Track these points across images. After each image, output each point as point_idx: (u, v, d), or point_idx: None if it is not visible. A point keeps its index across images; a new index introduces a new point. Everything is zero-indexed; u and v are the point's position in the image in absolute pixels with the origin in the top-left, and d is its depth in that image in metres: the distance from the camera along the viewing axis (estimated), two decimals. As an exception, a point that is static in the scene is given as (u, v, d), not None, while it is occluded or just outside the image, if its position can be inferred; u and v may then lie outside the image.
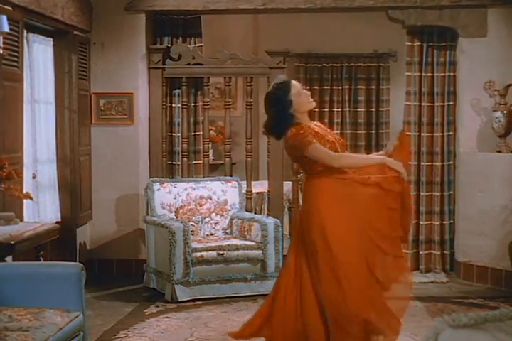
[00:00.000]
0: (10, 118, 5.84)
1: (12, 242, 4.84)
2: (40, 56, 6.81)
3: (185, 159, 7.76)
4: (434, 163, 7.67)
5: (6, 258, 5.01)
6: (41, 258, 5.60)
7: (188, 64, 7.63)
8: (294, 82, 4.94)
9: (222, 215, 7.18)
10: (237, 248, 6.67)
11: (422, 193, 7.69)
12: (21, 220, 5.71)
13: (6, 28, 5.40)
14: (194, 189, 7.17)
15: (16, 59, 5.90)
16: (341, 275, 4.61)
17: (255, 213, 7.69)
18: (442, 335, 2.13)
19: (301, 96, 4.87)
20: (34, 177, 6.63)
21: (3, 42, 5.47)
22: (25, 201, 6.00)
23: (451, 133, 7.67)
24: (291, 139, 4.77)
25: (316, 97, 10.07)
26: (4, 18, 5.38)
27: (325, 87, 10.09)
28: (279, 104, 4.82)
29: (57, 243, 6.26)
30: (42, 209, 6.77)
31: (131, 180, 7.59)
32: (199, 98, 7.85)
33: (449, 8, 7.35)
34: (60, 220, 6.91)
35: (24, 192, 5.59)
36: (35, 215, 6.60)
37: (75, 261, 6.51)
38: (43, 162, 6.89)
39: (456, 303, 6.53)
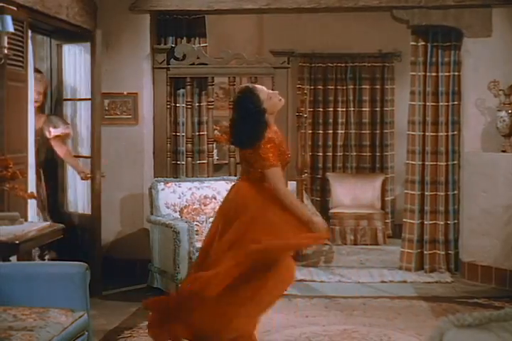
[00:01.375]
0: (14, 118, 5.85)
1: (16, 242, 4.84)
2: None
3: (189, 159, 7.77)
4: (438, 163, 7.67)
5: (11, 258, 5.01)
6: (46, 258, 5.62)
7: (193, 64, 7.64)
8: (258, 86, 4.89)
9: (227, 215, 7.18)
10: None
11: (426, 193, 7.68)
12: (26, 220, 5.71)
13: (11, 28, 5.41)
14: (198, 189, 7.18)
15: (20, 59, 5.91)
16: None
17: (259, 213, 7.67)
18: (447, 335, 2.13)
19: (272, 98, 4.85)
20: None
21: (8, 42, 5.47)
22: (29, 201, 6.00)
23: (455, 132, 7.66)
24: (262, 150, 4.72)
25: (321, 97, 10.10)
26: (9, 18, 5.39)
27: (329, 87, 10.10)
28: (253, 116, 4.76)
29: (64, 242, 6.25)
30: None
31: (136, 179, 7.59)
32: (203, 98, 7.85)
33: (453, 8, 7.34)
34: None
35: (28, 192, 5.59)
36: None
37: (79, 261, 6.51)
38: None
39: (460, 303, 6.52)
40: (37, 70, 6.43)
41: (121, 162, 7.60)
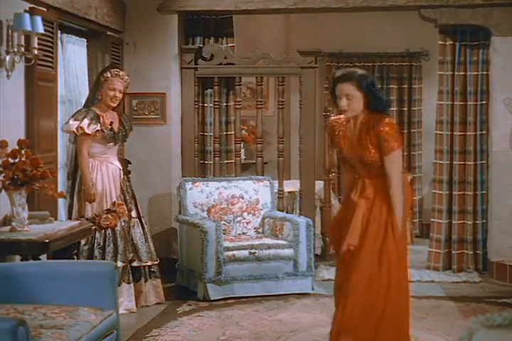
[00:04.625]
0: (44, 118, 5.90)
1: (46, 241, 4.89)
2: (73, 56, 6.88)
3: (217, 158, 7.79)
4: (466, 162, 7.63)
5: (41, 257, 5.07)
6: (75, 257, 5.66)
7: (220, 64, 7.66)
8: None
9: (254, 214, 7.20)
10: (268, 247, 6.68)
11: (454, 192, 7.65)
12: (56, 219, 5.77)
13: (41, 29, 5.47)
14: (226, 188, 7.20)
15: (50, 59, 5.96)
16: None
17: (287, 212, 7.69)
18: (477, 335, 2.13)
19: None
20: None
21: (38, 43, 5.53)
22: (59, 200, 6.06)
23: (483, 132, 7.62)
24: (387, 128, 4.54)
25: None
26: (39, 19, 5.44)
27: (357, 87, 10.07)
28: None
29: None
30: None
31: (164, 179, 7.63)
32: (231, 98, 7.87)
33: (481, 7, 7.30)
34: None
35: (58, 191, 5.64)
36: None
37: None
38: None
39: (489, 303, 6.48)
40: (118, 68, 6.37)
41: (150, 161, 7.64)
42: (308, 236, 6.75)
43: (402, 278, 4.74)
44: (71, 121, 6.14)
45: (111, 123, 6.21)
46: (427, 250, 7.91)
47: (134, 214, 6.38)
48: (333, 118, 4.93)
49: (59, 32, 6.28)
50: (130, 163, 6.64)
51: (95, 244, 6.13)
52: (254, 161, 8.55)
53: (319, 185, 8.06)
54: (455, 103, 7.62)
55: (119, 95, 6.22)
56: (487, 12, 7.31)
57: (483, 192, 7.66)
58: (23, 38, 5.40)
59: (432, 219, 7.82)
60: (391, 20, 9.17)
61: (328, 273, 7.30)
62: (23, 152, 5.07)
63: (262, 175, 7.62)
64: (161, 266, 6.56)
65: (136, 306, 6.19)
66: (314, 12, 7.88)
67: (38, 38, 5.54)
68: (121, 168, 6.37)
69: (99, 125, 6.12)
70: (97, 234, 6.12)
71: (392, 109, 9.92)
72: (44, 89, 5.88)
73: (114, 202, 6.22)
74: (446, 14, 7.39)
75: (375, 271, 4.60)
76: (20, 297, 4.23)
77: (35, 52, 5.49)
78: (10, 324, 3.32)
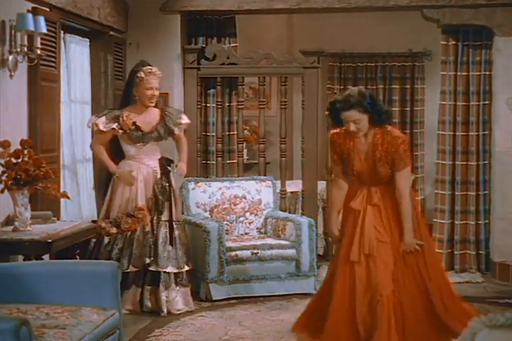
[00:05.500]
0: (47, 118, 5.91)
1: (49, 240, 4.90)
2: (76, 56, 6.89)
3: (219, 158, 7.79)
4: (469, 163, 7.63)
5: (43, 257, 5.07)
6: (78, 257, 5.67)
7: (223, 64, 7.66)
8: None
9: (257, 214, 7.20)
10: (271, 247, 6.69)
11: (456, 193, 7.65)
12: (58, 219, 5.78)
13: (44, 29, 5.47)
14: (228, 188, 7.20)
15: (53, 59, 5.96)
16: None
17: (289, 212, 7.70)
18: (479, 335, 2.13)
19: None
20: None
21: (41, 43, 5.53)
22: (62, 200, 6.06)
23: (486, 132, 7.62)
24: (404, 146, 4.74)
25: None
26: (42, 19, 5.45)
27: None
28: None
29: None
30: (78, 208, 6.84)
31: (166, 179, 7.62)
32: (233, 98, 7.87)
33: (484, 7, 7.30)
34: (96, 219, 6.98)
35: (61, 191, 5.64)
36: (72, 214, 6.67)
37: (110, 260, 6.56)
38: (80, 161, 6.95)
39: (491, 303, 6.48)
40: (148, 64, 6.25)
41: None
42: (310, 236, 6.75)
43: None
44: (92, 117, 6.18)
45: (133, 123, 6.09)
46: (429, 250, 7.89)
47: (164, 217, 6.14)
48: (335, 131, 4.96)
49: (62, 32, 6.28)
50: (172, 162, 6.38)
51: (115, 246, 6.05)
52: (256, 161, 8.55)
53: (322, 185, 8.06)
54: (457, 103, 7.62)
55: (157, 93, 6.14)
56: (490, 12, 7.31)
57: (486, 192, 7.65)
58: (25, 37, 5.40)
59: (434, 220, 7.81)
60: (394, 20, 9.15)
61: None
62: (25, 152, 5.08)
63: (265, 175, 7.63)
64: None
65: (164, 312, 6.05)
66: (317, 12, 7.88)
67: (41, 38, 5.54)
68: (156, 168, 6.20)
69: (116, 124, 6.05)
70: (119, 236, 6.06)
71: (394, 109, 9.94)
72: (47, 89, 5.88)
73: (136, 206, 6.08)
74: (449, 14, 7.39)
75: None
76: (22, 297, 4.24)
77: (38, 52, 5.50)
78: (12, 324, 3.32)
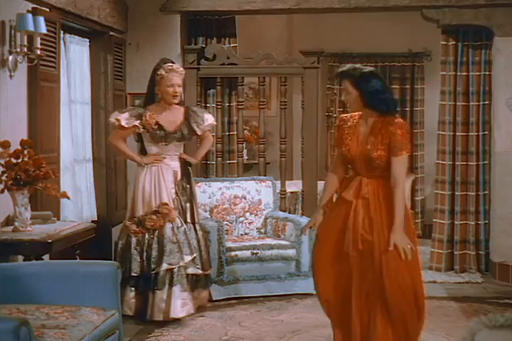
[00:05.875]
0: (47, 118, 5.91)
1: (49, 241, 4.90)
2: (76, 57, 6.88)
3: (219, 159, 7.79)
4: (469, 163, 7.63)
5: (43, 257, 5.07)
6: (77, 257, 5.66)
7: (223, 64, 7.66)
8: None
9: (257, 215, 7.20)
10: (271, 247, 6.69)
11: (456, 193, 7.65)
12: (58, 219, 5.78)
13: (44, 30, 5.47)
14: (228, 188, 7.20)
15: (53, 60, 5.96)
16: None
17: (289, 213, 7.70)
18: (479, 335, 2.13)
19: None
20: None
21: (41, 43, 5.53)
22: (62, 200, 6.06)
23: (486, 132, 7.62)
24: (402, 130, 4.60)
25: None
26: (42, 19, 5.45)
27: (359, 87, 10.06)
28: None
29: (93, 242, 6.30)
30: (78, 208, 6.84)
31: (166, 179, 7.62)
32: (233, 98, 7.87)
33: (484, 7, 7.30)
34: (96, 219, 6.99)
35: (61, 191, 5.64)
36: (72, 214, 6.66)
37: (110, 260, 6.56)
38: (79, 162, 6.95)
39: (491, 304, 6.48)
40: (170, 61, 6.14)
41: (152, 162, 7.62)
42: (310, 236, 6.74)
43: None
44: (115, 113, 6.07)
45: (156, 123, 5.96)
46: (429, 250, 7.90)
47: (188, 218, 6.06)
48: (344, 115, 4.93)
49: (62, 32, 6.28)
50: (190, 166, 6.24)
51: (141, 246, 5.91)
52: (256, 161, 8.55)
53: (321, 185, 8.05)
54: (457, 103, 7.62)
55: (179, 90, 6.02)
56: (490, 12, 7.31)
57: (486, 192, 7.66)
58: (25, 38, 5.40)
59: (434, 220, 7.82)
60: (393, 20, 9.16)
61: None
62: (25, 152, 5.08)
63: (265, 176, 7.62)
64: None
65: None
66: (317, 12, 7.88)
67: (41, 38, 5.54)
68: (177, 169, 6.08)
69: (138, 122, 5.93)
70: (146, 236, 5.91)
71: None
72: (47, 90, 5.88)
73: (161, 202, 5.95)
74: (449, 14, 7.39)
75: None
76: (22, 297, 4.24)
77: (38, 52, 5.50)
78: (12, 324, 3.32)
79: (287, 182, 7.90)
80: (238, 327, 5.77)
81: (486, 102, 7.59)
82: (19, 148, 5.09)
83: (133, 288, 5.91)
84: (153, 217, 5.90)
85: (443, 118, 7.69)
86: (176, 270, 5.86)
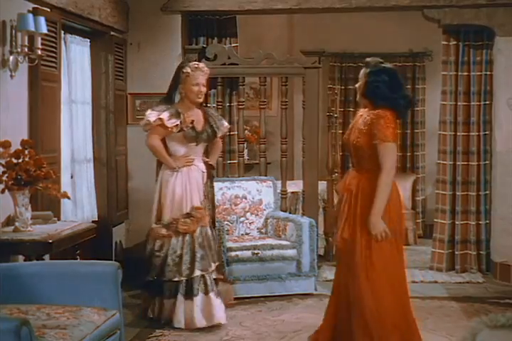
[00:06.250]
0: (48, 118, 5.90)
1: (50, 241, 4.90)
2: (77, 57, 6.88)
3: (220, 159, 7.77)
4: (470, 163, 7.63)
5: (44, 257, 5.07)
6: (78, 257, 5.66)
7: (224, 64, 7.65)
8: None
9: (257, 215, 7.20)
10: (272, 247, 6.68)
11: (457, 193, 7.65)
12: (59, 219, 5.77)
13: (45, 30, 5.47)
14: (229, 188, 7.20)
15: (53, 60, 5.96)
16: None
17: (290, 213, 7.69)
18: (480, 336, 2.13)
19: None
20: (71, 177, 6.69)
21: (42, 43, 5.53)
22: (62, 200, 6.06)
23: (487, 132, 7.62)
24: (383, 119, 4.62)
25: (351, 97, 10.07)
26: (43, 19, 5.44)
27: (360, 87, 10.07)
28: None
29: (93, 242, 6.30)
30: (79, 208, 6.84)
31: (167, 179, 7.62)
32: (234, 98, 7.87)
33: (485, 7, 7.30)
34: (96, 219, 6.99)
35: (62, 191, 5.64)
36: (73, 214, 6.66)
37: (111, 260, 6.56)
38: (80, 162, 6.95)
39: (492, 304, 6.48)
40: (195, 59, 5.99)
41: (153, 162, 7.61)
42: (311, 236, 6.75)
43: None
44: (148, 112, 5.90)
45: (192, 122, 5.87)
46: (430, 250, 7.91)
47: (210, 222, 5.99)
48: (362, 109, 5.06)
49: (62, 32, 6.28)
50: (213, 169, 6.25)
51: (170, 251, 5.79)
52: (257, 162, 8.54)
53: (322, 185, 8.06)
54: (458, 103, 7.62)
55: (204, 89, 5.92)
56: (491, 12, 7.31)
57: (487, 192, 7.65)
58: (26, 38, 5.40)
59: (435, 220, 7.82)
60: (394, 20, 9.16)
61: (331, 273, 7.27)
62: (26, 152, 5.07)
63: (265, 176, 7.62)
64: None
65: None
66: (317, 12, 7.88)
67: (42, 38, 5.53)
68: (205, 171, 6.01)
69: (179, 121, 5.81)
70: (174, 240, 5.79)
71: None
72: (47, 90, 5.88)
73: (193, 206, 5.83)
74: (450, 14, 7.39)
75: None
76: (23, 297, 4.24)
77: (39, 52, 5.49)
78: (13, 324, 3.32)
79: (288, 182, 7.90)
80: (239, 327, 5.77)
81: (487, 102, 7.59)
82: (20, 148, 5.08)
83: (159, 294, 5.80)
84: (188, 220, 5.77)
85: (444, 118, 7.69)
86: (207, 275, 5.78)
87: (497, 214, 7.49)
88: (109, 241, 7.25)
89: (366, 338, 4.60)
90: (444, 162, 7.71)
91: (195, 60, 7.44)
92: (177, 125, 5.82)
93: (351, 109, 10.13)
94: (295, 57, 7.82)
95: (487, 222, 7.65)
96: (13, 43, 5.37)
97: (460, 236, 7.65)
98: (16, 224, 5.08)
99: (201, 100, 5.97)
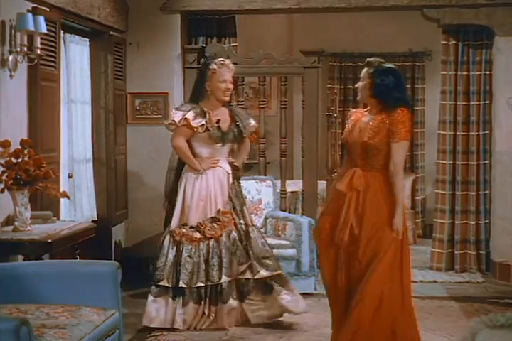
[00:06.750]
0: (47, 118, 5.90)
1: (49, 240, 4.90)
2: (76, 56, 6.88)
3: (219, 158, 7.77)
4: (469, 162, 7.63)
5: (43, 257, 5.07)
6: (77, 257, 5.66)
7: (223, 63, 7.64)
8: None
9: (257, 214, 7.19)
10: (271, 247, 6.67)
11: (457, 192, 7.65)
12: (58, 219, 5.77)
13: (44, 29, 5.47)
14: (229, 188, 7.18)
15: (53, 59, 5.96)
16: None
17: (289, 212, 7.69)
18: (479, 335, 2.13)
19: None
20: (71, 177, 6.68)
21: (41, 43, 5.53)
22: (62, 200, 6.06)
23: (487, 132, 7.62)
24: (402, 117, 4.69)
25: (351, 97, 10.08)
26: (42, 19, 5.44)
27: (359, 86, 10.06)
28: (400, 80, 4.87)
29: (93, 241, 6.30)
30: (78, 208, 6.84)
31: (166, 179, 7.62)
32: (234, 97, 7.84)
33: (485, 7, 7.29)
34: (96, 219, 6.99)
35: (61, 191, 5.64)
36: (72, 214, 6.66)
37: (111, 260, 6.56)
38: (80, 161, 6.95)
39: (492, 303, 6.48)
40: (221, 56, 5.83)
41: (152, 161, 7.64)
42: (310, 236, 6.75)
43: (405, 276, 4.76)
44: (173, 112, 5.77)
45: (218, 121, 5.72)
46: (429, 250, 7.91)
47: (244, 222, 5.83)
48: (354, 109, 5.09)
49: (62, 32, 6.28)
50: (238, 170, 6.04)
51: (201, 255, 5.64)
52: (256, 161, 8.53)
53: (322, 184, 8.06)
54: (458, 103, 7.62)
55: (231, 86, 5.76)
56: (490, 12, 7.31)
57: (486, 192, 7.65)
58: (25, 37, 5.39)
59: (434, 219, 7.82)
60: (394, 20, 9.16)
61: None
62: (25, 152, 5.07)
63: (265, 175, 7.61)
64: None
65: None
66: (317, 12, 7.88)
67: (41, 38, 5.54)
68: (230, 172, 5.87)
69: (204, 120, 5.67)
70: (201, 245, 5.66)
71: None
72: (47, 89, 5.88)
73: (219, 209, 5.71)
74: (449, 14, 7.39)
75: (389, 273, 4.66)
76: (23, 297, 4.24)
77: (38, 52, 5.49)
78: (12, 324, 3.32)
79: (287, 181, 7.89)
80: (238, 327, 5.75)
81: (487, 102, 7.59)
82: (19, 147, 5.08)
83: (180, 300, 5.64)
84: (215, 225, 5.65)
85: (443, 118, 7.69)
86: (235, 281, 5.65)
87: (496, 214, 7.49)
88: (108, 241, 7.25)
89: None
90: (444, 161, 7.71)
91: (195, 60, 7.47)
92: (202, 125, 5.68)
93: (350, 109, 10.10)
94: (294, 57, 7.82)
95: (486, 221, 7.65)
96: (13, 43, 5.37)
97: (460, 236, 7.65)
98: (16, 223, 5.08)
99: (228, 98, 5.83)
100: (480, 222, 7.65)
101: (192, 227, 5.68)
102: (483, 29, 7.46)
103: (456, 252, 7.67)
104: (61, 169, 6.17)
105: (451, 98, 7.63)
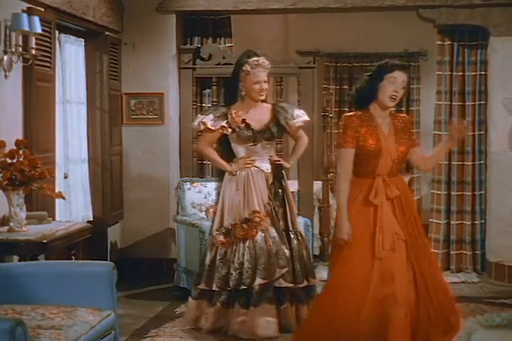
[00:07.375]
0: (42, 118, 5.89)
1: (44, 241, 4.89)
2: (71, 56, 6.88)
3: (215, 159, 7.76)
4: (465, 163, 7.63)
5: (39, 257, 5.06)
6: (73, 257, 5.65)
7: (218, 64, 7.65)
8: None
9: (253, 215, 7.17)
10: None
11: (452, 193, 7.65)
12: (54, 219, 5.76)
13: (39, 29, 5.46)
14: (224, 188, 7.17)
15: (48, 59, 5.95)
16: None
17: (285, 213, 7.67)
18: (475, 335, 2.13)
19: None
20: (66, 177, 6.68)
21: (36, 43, 5.52)
22: (57, 200, 6.05)
23: (482, 132, 7.63)
24: (412, 124, 4.83)
25: (346, 97, 10.08)
26: (37, 19, 5.44)
27: (355, 87, 10.06)
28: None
29: (88, 242, 6.30)
30: (74, 208, 6.83)
31: (162, 179, 7.62)
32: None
33: (480, 7, 7.30)
34: (91, 219, 6.98)
35: (56, 191, 5.64)
36: (67, 214, 6.66)
37: (106, 260, 6.55)
38: (75, 162, 6.95)
39: (487, 304, 6.48)
40: (255, 54, 5.64)
41: (148, 162, 7.63)
42: (306, 236, 6.72)
43: None
44: (198, 116, 5.73)
45: (243, 121, 5.58)
46: (425, 250, 7.90)
47: (281, 225, 5.64)
48: (350, 113, 4.92)
49: (57, 32, 6.27)
50: (286, 168, 5.83)
51: (231, 258, 5.50)
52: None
53: (318, 185, 8.05)
54: (453, 103, 7.62)
55: (266, 86, 5.61)
56: (486, 12, 7.31)
57: (482, 192, 7.66)
58: (20, 38, 5.39)
59: (430, 220, 7.81)
60: (390, 20, 9.16)
61: (327, 273, 7.28)
62: (21, 152, 5.07)
63: (261, 176, 7.59)
64: (159, 267, 6.50)
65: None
66: (313, 12, 7.87)
67: (36, 38, 5.53)
68: (268, 171, 5.67)
69: (225, 122, 5.56)
70: (234, 247, 5.52)
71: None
72: (42, 89, 5.87)
73: (254, 210, 5.53)
74: (445, 14, 7.39)
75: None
76: (18, 297, 4.23)
77: (33, 52, 5.49)
78: (7, 324, 3.31)
79: (283, 182, 7.88)
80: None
81: (482, 102, 7.59)
82: (14, 148, 5.07)
83: (211, 303, 5.55)
84: (245, 226, 5.49)
85: (439, 118, 7.69)
86: (268, 285, 5.47)
87: (492, 214, 7.50)
88: (104, 242, 7.24)
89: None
90: (439, 162, 7.70)
91: (190, 60, 7.46)
92: (223, 126, 5.59)
93: (346, 109, 10.12)
94: (290, 57, 7.83)
95: (482, 221, 7.66)
96: (7, 43, 5.37)
97: (455, 236, 7.65)
98: (11, 224, 5.07)
99: (263, 97, 5.68)
100: (475, 222, 7.66)
101: (226, 229, 5.57)
102: (479, 29, 7.47)
103: (451, 252, 7.68)
104: (56, 169, 6.17)
105: (447, 98, 7.63)
